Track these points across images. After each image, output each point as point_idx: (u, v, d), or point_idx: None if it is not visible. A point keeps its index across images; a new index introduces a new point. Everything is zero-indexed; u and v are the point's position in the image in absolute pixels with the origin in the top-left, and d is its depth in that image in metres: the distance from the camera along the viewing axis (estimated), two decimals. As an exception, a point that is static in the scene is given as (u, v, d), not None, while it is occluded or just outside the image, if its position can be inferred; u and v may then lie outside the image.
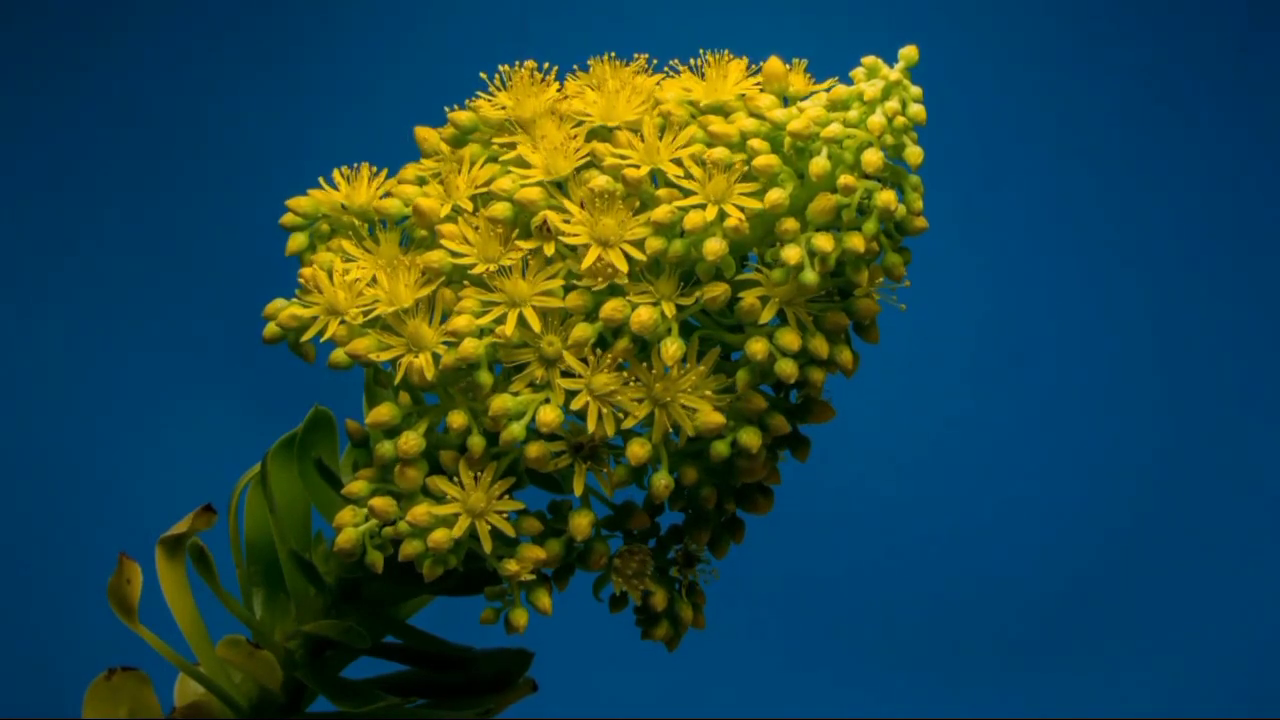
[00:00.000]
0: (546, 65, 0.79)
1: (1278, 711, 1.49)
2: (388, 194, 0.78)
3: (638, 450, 0.72)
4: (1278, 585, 1.54)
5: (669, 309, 0.72)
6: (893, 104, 0.73)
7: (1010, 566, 1.54)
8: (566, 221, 0.73)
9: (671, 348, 0.72)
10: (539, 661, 0.83)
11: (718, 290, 0.72)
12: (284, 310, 0.76)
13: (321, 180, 0.79)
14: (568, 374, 0.72)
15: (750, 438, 0.73)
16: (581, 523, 0.74)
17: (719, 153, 0.73)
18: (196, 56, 1.56)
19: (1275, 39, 1.60)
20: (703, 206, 0.72)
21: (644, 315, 0.72)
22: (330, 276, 0.75)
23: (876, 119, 0.72)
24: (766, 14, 1.54)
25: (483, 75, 0.79)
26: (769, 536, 0.84)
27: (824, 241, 0.71)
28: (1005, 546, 1.54)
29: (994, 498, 1.56)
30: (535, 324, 0.72)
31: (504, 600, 0.75)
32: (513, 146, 0.76)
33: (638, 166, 0.73)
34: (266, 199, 0.81)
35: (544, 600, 0.75)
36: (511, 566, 0.74)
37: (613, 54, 0.79)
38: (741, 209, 0.72)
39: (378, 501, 0.73)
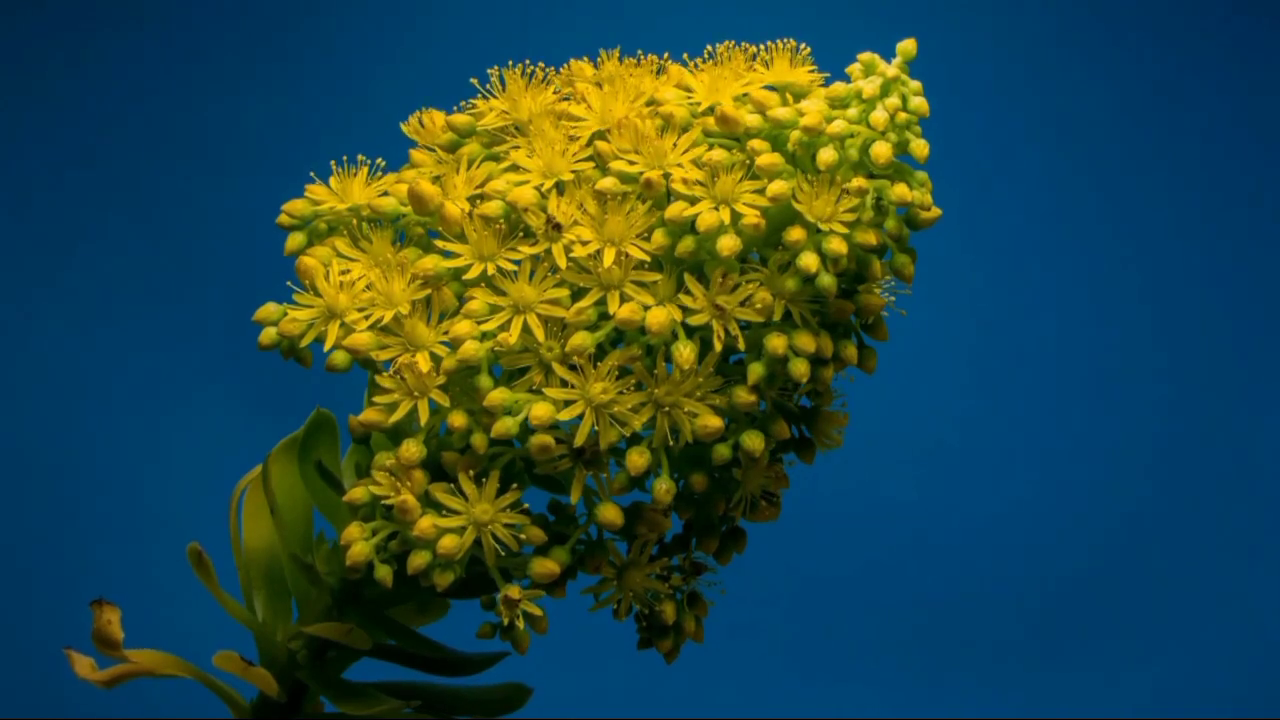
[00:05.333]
0: (543, 65, 0.78)
1: (1278, 712, 1.49)
2: (385, 193, 0.78)
3: (636, 460, 0.72)
4: (1277, 585, 1.54)
5: (675, 312, 0.72)
6: (893, 100, 0.72)
7: (1009, 567, 1.54)
8: (575, 223, 0.72)
9: (686, 351, 0.71)
10: (540, 660, 0.83)
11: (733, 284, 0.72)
12: (285, 319, 0.75)
13: (313, 175, 0.79)
14: (564, 383, 0.72)
15: (753, 441, 0.73)
16: (609, 514, 0.74)
17: (718, 154, 0.72)
18: (196, 55, 1.55)
19: (1276, 37, 1.60)
20: (715, 208, 0.71)
21: (660, 316, 0.71)
22: (326, 275, 0.75)
23: (879, 115, 0.72)
24: (766, 12, 1.54)
25: (474, 81, 0.79)
26: (767, 537, 0.84)
27: (837, 245, 0.71)
28: (1004, 547, 1.54)
29: (992, 498, 1.55)
30: (539, 332, 0.72)
31: (502, 614, 0.74)
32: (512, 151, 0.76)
33: (647, 169, 0.73)
34: (267, 198, 0.81)
35: (541, 624, 0.74)
36: (514, 593, 0.73)
37: (619, 49, 0.78)
38: (753, 207, 0.71)
39: (406, 497, 0.73)
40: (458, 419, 0.72)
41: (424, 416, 0.72)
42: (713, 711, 1.50)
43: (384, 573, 0.74)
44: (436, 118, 0.79)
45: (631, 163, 0.73)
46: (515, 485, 0.73)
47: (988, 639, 1.53)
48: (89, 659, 0.79)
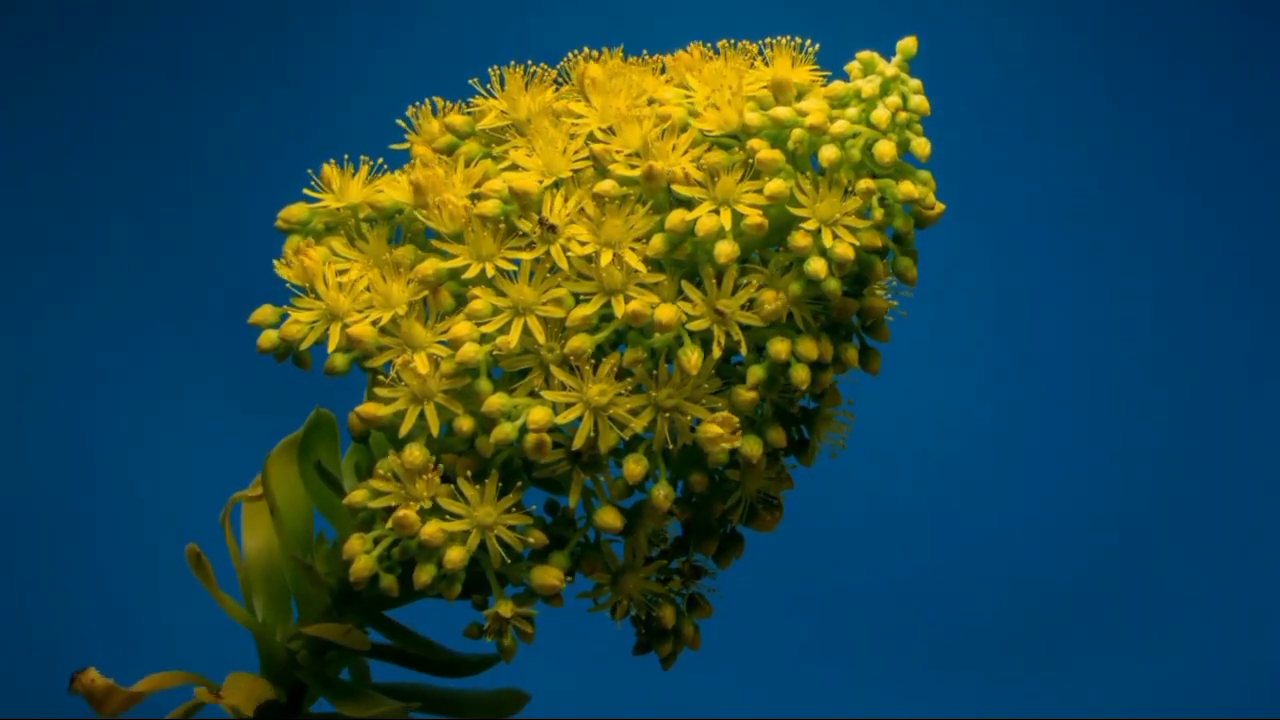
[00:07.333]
0: (544, 66, 0.78)
1: (1278, 712, 1.49)
2: (383, 190, 0.78)
3: (633, 468, 0.72)
4: (1278, 585, 1.54)
5: (680, 312, 0.71)
6: (893, 99, 0.72)
7: (1010, 567, 1.54)
8: (570, 221, 0.72)
9: (693, 356, 0.71)
10: (541, 660, 0.83)
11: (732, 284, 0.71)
12: (287, 323, 0.75)
13: (310, 173, 0.79)
14: (563, 385, 0.71)
15: (750, 447, 0.73)
16: (608, 517, 0.73)
17: (716, 155, 0.72)
18: (194, 55, 1.55)
19: (1278, 34, 1.60)
20: (715, 211, 0.71)
21: (669, 312, 0.71)
22: (324, 278, 0.75)
23: (880, 114, 0.71)
24: (766, 11, 1.54)
25: (473, 81, 0.78)
26: (768, 537, 0.84)
27: (844, 250, 0.70)
28: (1005, 547, 1.54)
29: (995, 499, 1.55)
30: (539, 334, 0.71)
31: (490, 627, 0.74)
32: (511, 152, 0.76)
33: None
34: (267, 198, 0.81)
35: (529, 636, 0.74)
36: (505, 611, 0.73)
37: (621, 48, 0.78)
38: (755, 207, 0.71)
39: (407, 512, 0.72)
40: (465, 423, 0.72)
41: (434, 424, 0.72)
42: (714, 711, 1.50)
43: (389, 582, 0.73)
44: (449, 114, 0.79)
45: (633, 166, 0.73)
46: (519, 484, 0.72)
47: (989, 639, 1.53)
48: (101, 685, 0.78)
